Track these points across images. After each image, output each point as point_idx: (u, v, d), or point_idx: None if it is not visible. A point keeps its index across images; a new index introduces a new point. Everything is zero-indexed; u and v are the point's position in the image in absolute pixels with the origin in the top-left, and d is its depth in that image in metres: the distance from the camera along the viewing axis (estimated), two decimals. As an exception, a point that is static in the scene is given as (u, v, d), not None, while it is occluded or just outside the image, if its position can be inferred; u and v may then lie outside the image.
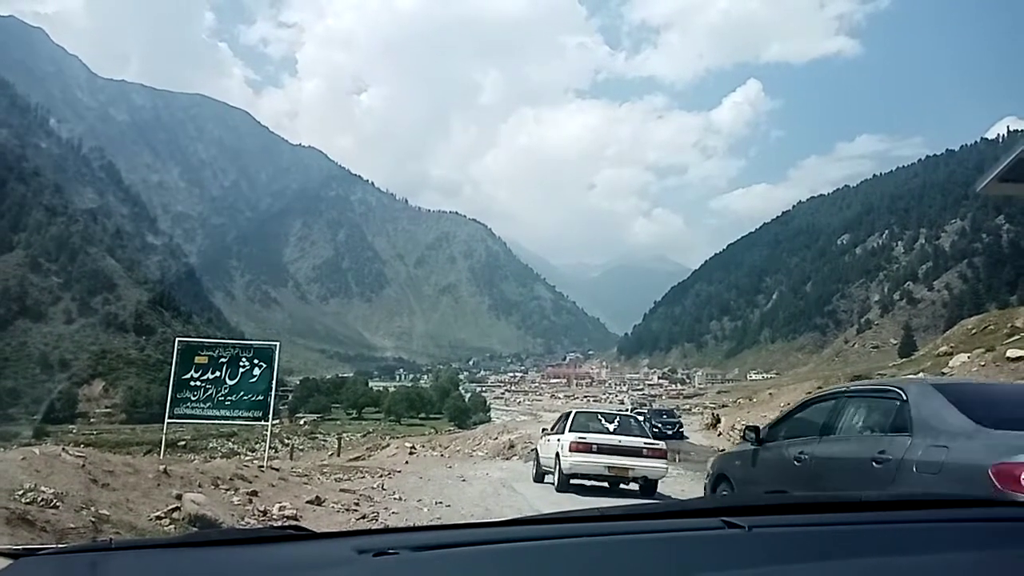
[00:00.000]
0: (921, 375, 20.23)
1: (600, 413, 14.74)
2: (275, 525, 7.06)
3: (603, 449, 12.24)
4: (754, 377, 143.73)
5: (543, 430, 16.53)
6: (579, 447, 12.20)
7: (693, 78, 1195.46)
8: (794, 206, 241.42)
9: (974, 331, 29.74)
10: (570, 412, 14.43)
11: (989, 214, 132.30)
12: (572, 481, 12.42)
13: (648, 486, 12.49)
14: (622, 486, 12.95)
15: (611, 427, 13.18)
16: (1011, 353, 16.84)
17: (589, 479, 12.52)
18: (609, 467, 12.15)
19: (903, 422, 4.78)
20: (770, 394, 43.33)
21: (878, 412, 5.28)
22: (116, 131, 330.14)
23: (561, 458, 12.39)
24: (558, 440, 12.89)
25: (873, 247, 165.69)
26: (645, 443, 12.67)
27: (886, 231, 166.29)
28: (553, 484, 12.97)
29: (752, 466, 6.52)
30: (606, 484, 12.84)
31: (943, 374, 18.57)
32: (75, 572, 1.21)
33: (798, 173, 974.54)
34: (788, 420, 6.59)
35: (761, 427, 6.77)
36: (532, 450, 16.73)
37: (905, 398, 4.91)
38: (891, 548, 1.34)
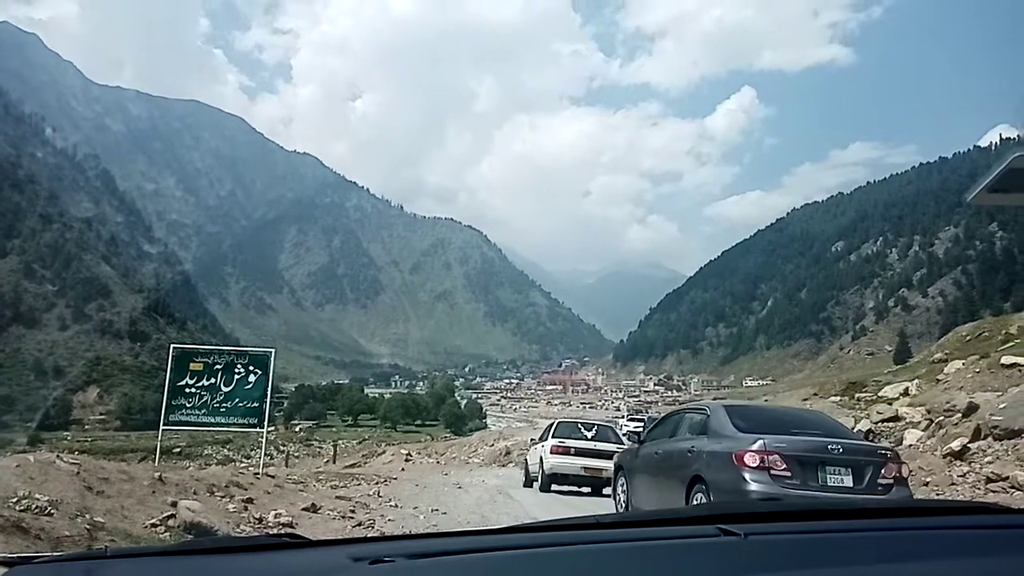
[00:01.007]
0: (916, 382, 20.50)
1: (581, 423, 16.61)
2: (271, 532, 7.04)
3: (580, 452, 14.08)
4: (750, 384, 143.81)
5: (531, 440, 19.23)
6: (559, 450, 14.13)
7: (687, 85, 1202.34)
8: (788, 213, 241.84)
9: (968, 338, 29.75)
10: (552, 422, 16.78)
11: (982, 221, 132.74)
12: (554, 486, 14.10)
13: None
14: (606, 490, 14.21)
15: (589, 435, 15.03)
16: (1005, 360, 16.87)
17: (568, 479, 14.11)
18: (584, 468, 13.80)
19: (704, 429, 7.89)
20: (766, 400, 43.29)
21: (696, 422, 8.35)
22: (111, 139, 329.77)
23: (544, 460, 14.29)
24: (542, 446, 14.91)
25: (867, 254, 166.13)
26: (616, 448, 14.04)
27: (880, 238, 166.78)
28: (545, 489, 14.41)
29: (635, 459, 9.63)
30: (588, 488, 14.27)
31: (938, 380, 18.84)
32: None
33: (792, 180, 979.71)
34: (655, 428, 9.90)
35: (641, 433, 10.54)
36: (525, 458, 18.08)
37: (708, 414, 8.09)
38: (887, 555, 1.34)
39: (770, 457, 6.72)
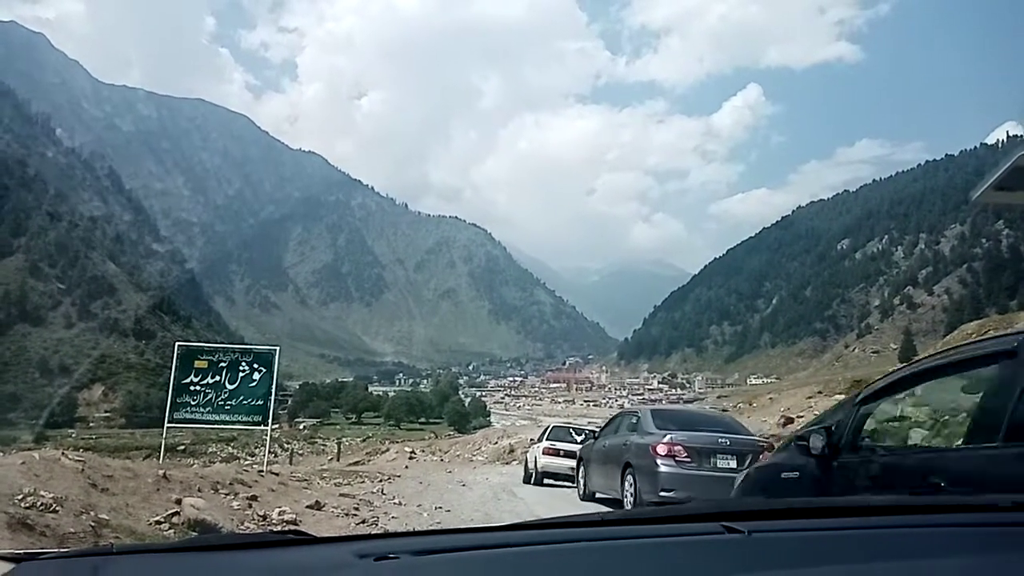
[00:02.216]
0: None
1: (572, 427, 18.94)
2: (275, 530, 7.07)
3: (568, 454, 15.53)
4: (754, 382, 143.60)
5: (530, 440, 21.24)
6: (550, 451, 16.24)
7: (693, 83, 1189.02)
8: (794, 211, 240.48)
9: (974, 336, 29.63)
10: (548, 425, 19.35)
11: (989, 219, 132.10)
12: (546, 480, 16.03)
13: None
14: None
15: (579, 438, 16.45)
16: (1011, 358, 16.81)
17: (558, 477, 15.77)
18: (571, 468, 14.80)
19: (636, 427, 10.43)
20: (770, 399, 43.19)
21: (631, 422, 10.86)
22: (120, 138, 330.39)
23: (537, 460, 16.50)
24: (538, 447, 17.07)
25: (873, 252, 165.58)
26: None
27: (886, 236, 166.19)
28: (549, 486, 15.84)
29: (591, 451, 12.07)
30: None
31: (943, 379, 18.86)
32: None
33: (798, 178, 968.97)
34: (606, 427, 12.42)
35: (597, 432, 13.22)
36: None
37: (639, 416, 10.71)
38: (891, 553, 1.33)
39: (675, 448, 9.22)
